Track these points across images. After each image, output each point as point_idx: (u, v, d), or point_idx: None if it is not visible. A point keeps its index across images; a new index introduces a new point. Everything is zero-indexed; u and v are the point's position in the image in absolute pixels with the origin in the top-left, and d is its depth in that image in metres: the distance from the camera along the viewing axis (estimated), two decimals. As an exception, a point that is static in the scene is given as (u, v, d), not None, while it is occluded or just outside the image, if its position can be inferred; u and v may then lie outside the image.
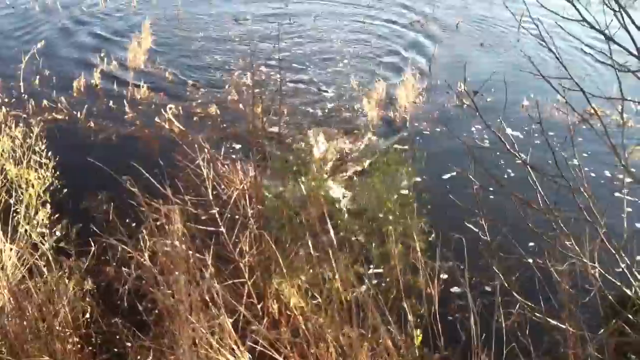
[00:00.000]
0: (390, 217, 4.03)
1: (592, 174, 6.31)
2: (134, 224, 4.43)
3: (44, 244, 3.82)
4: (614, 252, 2.97)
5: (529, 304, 3.17)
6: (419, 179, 6.26)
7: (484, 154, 5.22)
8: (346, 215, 4.54)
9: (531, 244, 4.40)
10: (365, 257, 4.39)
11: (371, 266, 4.55)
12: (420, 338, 3.39)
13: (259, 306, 3.87)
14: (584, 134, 6.57)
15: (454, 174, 6.37)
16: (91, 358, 3.64)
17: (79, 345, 3.56)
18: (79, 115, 7.28)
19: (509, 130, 3.69)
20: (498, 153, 5.58)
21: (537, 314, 3.08)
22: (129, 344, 3.81)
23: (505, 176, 6.29)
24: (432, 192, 6.07)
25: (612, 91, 5.64)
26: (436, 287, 3.17)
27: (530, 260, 3.17)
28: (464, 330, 3.11)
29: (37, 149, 4.33)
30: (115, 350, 3.77)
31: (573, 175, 3.18)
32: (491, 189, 3.49)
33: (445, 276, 4.41)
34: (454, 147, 7.06)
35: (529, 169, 3.19)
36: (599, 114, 3.28)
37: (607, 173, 6.46)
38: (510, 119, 7.11)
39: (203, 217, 4.64)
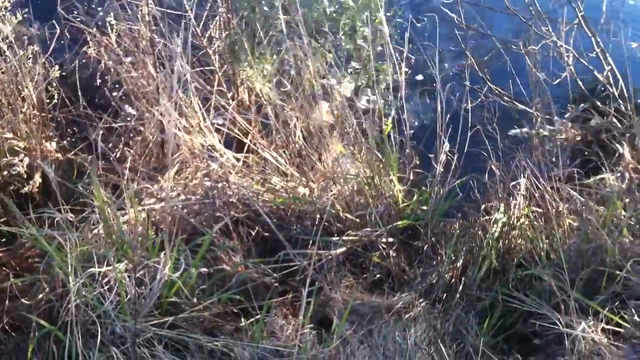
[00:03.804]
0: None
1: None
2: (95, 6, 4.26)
3: (5, 27, 3.63)
4: (590, 35, 2.85)
5: (498, 88, 3.11)
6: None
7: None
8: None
9: (506, 26, 4.21)
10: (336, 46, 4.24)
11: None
12: (389, 126, 3.38)
13: (229, 95, 3.79)
14: None
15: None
16: (57, 139, 3.62)
17: (44, 127, 3.52)
18: None
19: None
20: None
21: (506, 98, 3.02)
22: (99, 130, 3.79)
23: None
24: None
25: None
26: (403, 74, 3.06)
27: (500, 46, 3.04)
28: (432, 116, 3.06)
29: None
30: (84, 133, 3.74)
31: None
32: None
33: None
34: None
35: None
36: None
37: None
38: None
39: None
